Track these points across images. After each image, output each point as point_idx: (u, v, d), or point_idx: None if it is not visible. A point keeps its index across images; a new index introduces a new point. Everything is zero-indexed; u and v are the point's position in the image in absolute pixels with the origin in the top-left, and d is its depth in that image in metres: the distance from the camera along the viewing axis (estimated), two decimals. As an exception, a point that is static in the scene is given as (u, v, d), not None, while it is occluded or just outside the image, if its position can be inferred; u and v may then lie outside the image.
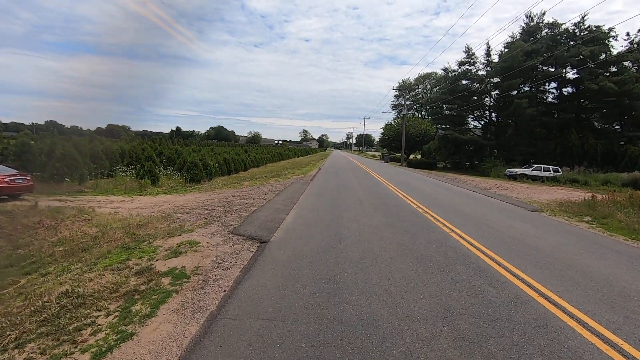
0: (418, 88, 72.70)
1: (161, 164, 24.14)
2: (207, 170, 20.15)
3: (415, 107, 71.62)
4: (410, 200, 11.19)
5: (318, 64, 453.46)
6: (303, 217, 8.07)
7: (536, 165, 28.19)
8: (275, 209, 9.07)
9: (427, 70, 77.82)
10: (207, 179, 20.05)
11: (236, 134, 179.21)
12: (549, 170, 27.63)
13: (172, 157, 23.18)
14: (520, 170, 27.94)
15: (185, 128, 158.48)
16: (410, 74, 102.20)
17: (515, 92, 37.36)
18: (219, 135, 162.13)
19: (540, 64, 35.98)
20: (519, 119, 36.18)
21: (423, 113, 72.59)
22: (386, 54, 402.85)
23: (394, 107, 77.83)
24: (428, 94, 73.66)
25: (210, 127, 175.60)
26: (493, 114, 40.30)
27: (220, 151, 33.24)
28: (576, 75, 36.17)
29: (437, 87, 55.85)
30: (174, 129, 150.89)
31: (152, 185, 17.27)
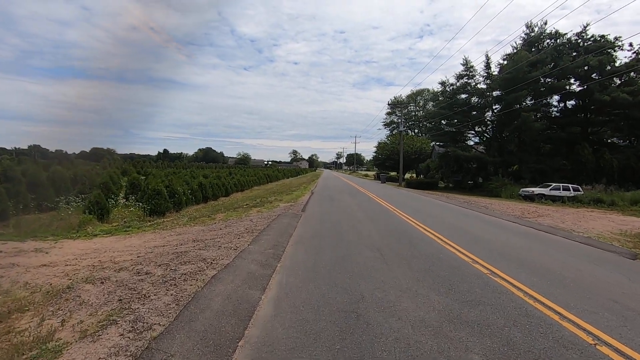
0: (410, 105, 70.76)
1: (123, 190, 20.35)
2: (175, 199, 16.43)
3: (408, 124, 69.41)
4: (451, 246, 7.68)
5: (307, 86, 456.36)
6: (292, 299, 4.48)
7: (554, 184, 25.22)
8: (247, 275, 5.46)
9: (415, 91, 76.17)
10: (175, 210, 16.31)
11: (225, 155, 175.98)
12: (569, 190, 24.68)
13: (136, 183, 19.42)
14: (537, 190, 24.90)
15: (174, 150, 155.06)
16: (397, 95, 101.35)
17: (517, 106, 34.94)
18: (208, 156, 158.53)
19: (544, 76, 33.77)
20: (525, 133, 33.57)
21: (417, 131, 70.38)
22: (373, 76, 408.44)
23: (387, 125, 75.57)
24: (420, 112, 71.72)
25: (199, 149, 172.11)
26: (496, 129, 37.69)
27: (200, 174, 29.54)
28: (581, 88, 34.08)
29: (433, 103, 53.66)
30: (162, 151, 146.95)
31: (100, 221, 13.48)
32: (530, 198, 24.64)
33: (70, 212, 13.13)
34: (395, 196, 22.42)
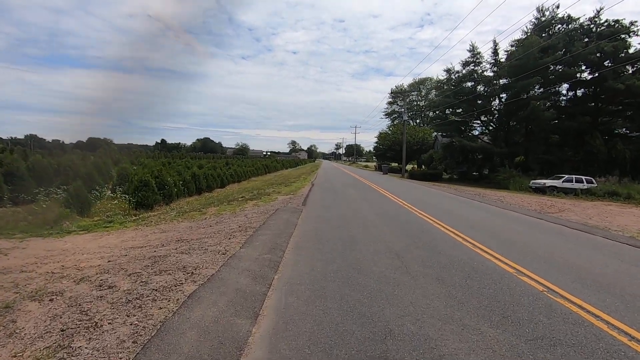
0: (413, 94, 69.08)
1: (112, 182, 19.10)
2: (165, 191, 15.19)
3: (410, 114, 67.85)
4: (483, 250, 6.47)
5: (306, 75, 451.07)
6: (294, 333, 3.30)
7: (567, 176, 24.03)
8: (235, 293, 4.25)
9: (417, 79, 74.08)
10: (165, 202, 15.09)
11: (223, 145, 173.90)
12: (582, 182, 23.49)
13: (124, 174, 18.14)
14: (549, 182, 23.72)
15: (172, 140, 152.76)
16: (399, 84, 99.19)
17: (525, 95, 33.58)
18: (206, 147, 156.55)
19: (554, 63, 32.28)
20: (533, 123, 32.24)
21: (418, 121, 68.88)
22: (372, 66, 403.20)
23: (388, 114, 73.93)
24: (423, 101, 70.14)
25: (197, 139, 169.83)
26: (502, 119, 36.27)
27: (194, 164, 28.24)
28: (591, 75, 32.65)
29: (435, 92, 52.09)
30: (159, 141, 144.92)
31: (80, 215, 12.25)
32: (542, 190, 23.48)
33: (44, 205, 11.86)
34: (401, 188, 21.22)
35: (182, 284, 4.61)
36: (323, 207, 11.71)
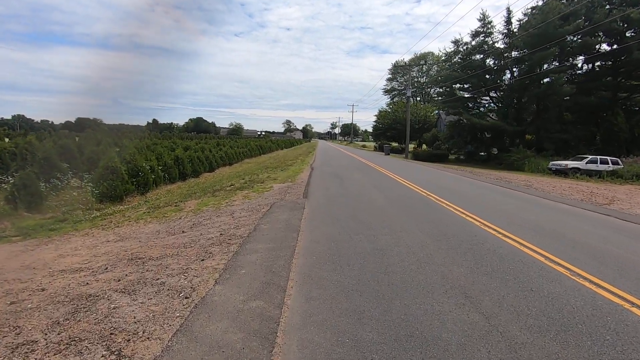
0: (413, 70, 65.81)
1: (82, 167, 16.58)
2: (140, 179, 12.81)
3: (412, 91, 64.91)
4: (607, 290, 4.30)
5: (300, 53, 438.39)
6: None
7: (591, 157, 21.90)
8: None
9: (418, 54, 70.39)
10: (140, 192, 12.73)
11: (217, 125, 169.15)
12: (607, 163, 21.43)
13: (94, 158, 15.64)
14: (571, 164, 21.58)
15: (164, 120, 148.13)
16: (399, 59, 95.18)
17: (539, 69, 31.00)
18: (199, 127, 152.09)
19: (571, 33, 29.52)
20: (549, 99, 29.76)
21: (419, 99, 65.98)
22: (368, 43, 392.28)
23: (387, 91, 70.75)
24: (424, 78, 66.99)
25: (189, 119, 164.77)
26: (514, 95, 33.71)
27: (181, 145, 25.68)
28: (610, 47, 30.00)
29: (437, 68, 49.15)
30: (150, 121, 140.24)
31: (28, 212, 9.90)
32: (563, 173, 21.38)
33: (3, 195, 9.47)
34: (413, 172, 18.96)
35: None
36: (330, 201, 9.44)
